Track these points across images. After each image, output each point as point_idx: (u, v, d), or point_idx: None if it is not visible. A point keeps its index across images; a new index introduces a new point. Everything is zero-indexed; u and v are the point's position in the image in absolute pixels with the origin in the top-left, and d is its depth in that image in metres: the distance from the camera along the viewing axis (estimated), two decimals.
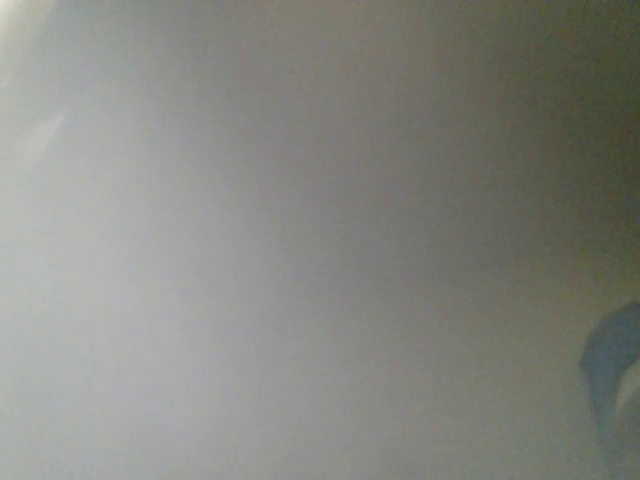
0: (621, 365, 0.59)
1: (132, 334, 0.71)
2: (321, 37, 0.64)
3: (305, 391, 0.71)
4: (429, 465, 0.66)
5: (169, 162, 0.70)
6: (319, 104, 0.67)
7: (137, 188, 0.70)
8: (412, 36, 0.63)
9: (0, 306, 0.68)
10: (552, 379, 0.65)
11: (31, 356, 0.69)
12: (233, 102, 0.68)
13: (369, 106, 0.66)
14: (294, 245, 0.72)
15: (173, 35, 0.66)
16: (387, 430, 0.68)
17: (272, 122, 0.68)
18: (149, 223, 0.71)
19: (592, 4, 0.61)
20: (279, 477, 0.68)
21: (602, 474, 0.60)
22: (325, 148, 0.68)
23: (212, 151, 0.70)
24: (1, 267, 0.68)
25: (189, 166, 0.70)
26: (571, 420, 0.63)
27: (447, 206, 0.68)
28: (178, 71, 0.67)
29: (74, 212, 0.69)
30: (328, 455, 0.68)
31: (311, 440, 0.69)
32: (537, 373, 0.65)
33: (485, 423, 0.65)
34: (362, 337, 0.72)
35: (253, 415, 0.71)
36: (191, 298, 0.73)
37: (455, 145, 0.66)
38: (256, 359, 0.73)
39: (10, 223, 0.68)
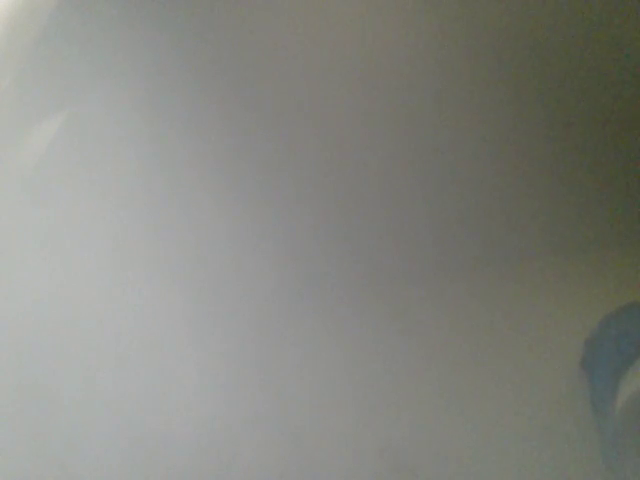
0: (621, 365, 0.59)
1: (132, 333, 0.71)
2: (322, 35, 0.64)
3: (305, 391, 0.71)
4: (428, 466, 0.66)
5: (170, 161, 0.70)
6: (320, 102, 0.67)
7: (137, 187, 0.71)
8: (414, 33, 0.63)
9: (0, 306, 0.68)
10: (552, 379, 0.64)
11: (31, 356, 0.69)
12: (234, 100, 0.68)
13: (370, 104, 0.66)
14: (294, 244, 0.72)
15: (174, 34, 0.66)
16: (386, 430, 0.68)
17: (273, 121, 0.68)
18: (150, 222, 0.71)
19: (593, 4, 0.61)
20: (279, 477, 0.68)
21: (602, 474, 0.60)
22: (326, 146, 0.68)
23: (213, 150, 0.70)
24: (1, 267, 0.68)
25: (190, 165, 0.70)
26: (571, 420, 0.63)
27: (447, 206, 0.68)
28: (179, 71, 0.67)
29: (74, 212, 0.70)
30: (327, 455, 0.68)
31: (311, 440, 0.69)
32: (537, 373, 0.65)
33: (485, 423, 0.65)
34: (362, 337, 0.72)
35: (253, 415, 0.71)
36: (191, 296, 0.73)
37: (455, 144, 0.66)
38: (256, 358, 0.73)
39: (10, 223, 0.68)
